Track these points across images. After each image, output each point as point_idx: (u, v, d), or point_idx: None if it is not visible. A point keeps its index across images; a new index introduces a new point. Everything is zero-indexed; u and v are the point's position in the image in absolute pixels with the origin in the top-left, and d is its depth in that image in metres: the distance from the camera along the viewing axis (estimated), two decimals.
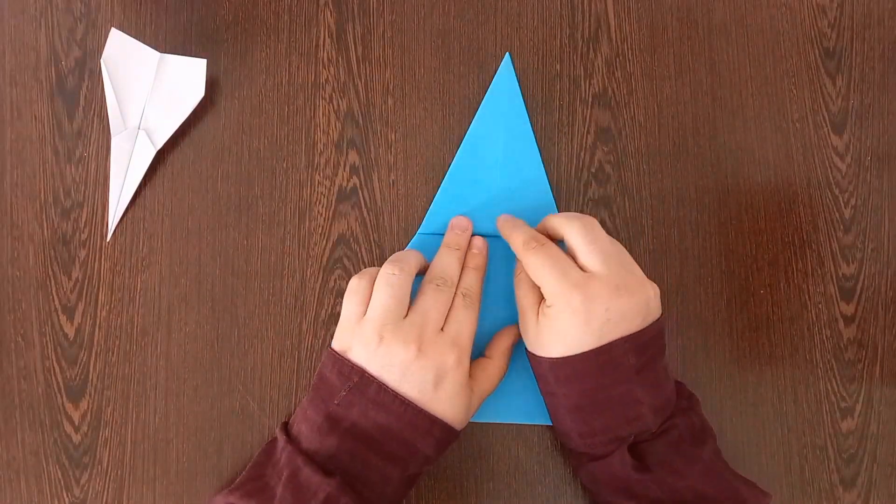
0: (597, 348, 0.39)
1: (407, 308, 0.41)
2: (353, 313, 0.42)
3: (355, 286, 0.42)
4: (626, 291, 0.40)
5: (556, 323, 0.40)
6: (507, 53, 0.48)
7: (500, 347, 0.44)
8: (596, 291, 0.39)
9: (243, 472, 0.42)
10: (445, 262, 0.44)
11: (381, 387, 0.40)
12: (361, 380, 0.40)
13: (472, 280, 0.44)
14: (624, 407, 0.40)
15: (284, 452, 0.40)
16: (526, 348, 0.43)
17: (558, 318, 0.40)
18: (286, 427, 0.42)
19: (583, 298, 0.39)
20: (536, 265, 0.41)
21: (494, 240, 0.46)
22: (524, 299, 0.43)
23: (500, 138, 0.47)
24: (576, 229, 0.41)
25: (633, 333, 0.40)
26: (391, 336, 0.40)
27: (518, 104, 0.48)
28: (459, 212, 0.47)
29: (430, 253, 0.45)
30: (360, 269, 0.47)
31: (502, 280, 0.46)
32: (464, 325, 0.42)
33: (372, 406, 0.40)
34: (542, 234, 0.43)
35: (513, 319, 0.45)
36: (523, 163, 0.47)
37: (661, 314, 0.41)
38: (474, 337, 0.42)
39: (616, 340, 0.39)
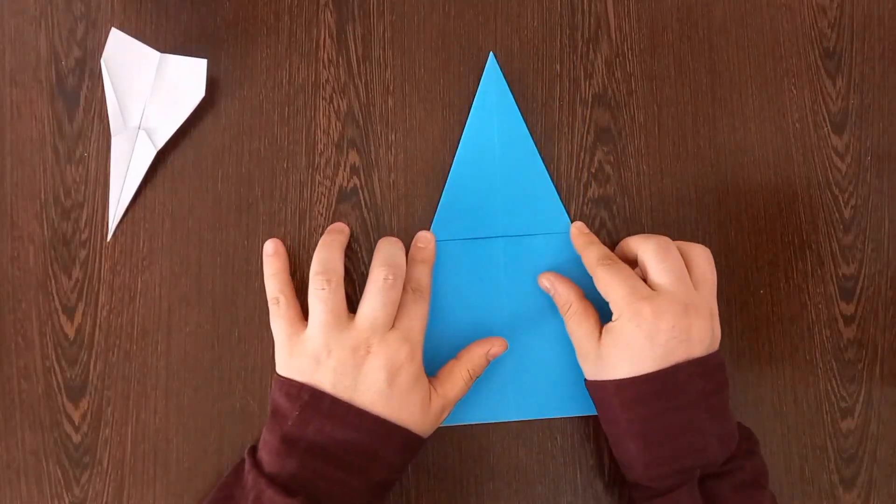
0: (663, 370, 0.39)
1: (346, 314, 0.41)
2: (286, 336, 0.42)
3: (275, 311, 0.43)
4: (694, 312, 0.39)
5: (621, 338, 0.40)
6: (491, 53, 0.48)
7: (471, 352, 0.44)
8: (664, 307, 0.39)
9: (213, 491, 0.42)
10: (390, 251, 0.43)
11: (335, 400, 0.39)
12: (312, 397, 0.39)
13: (420, 273, 0.44)
14: (690, 435, 0.39)
15: (250, 475, 0.40)
16: (585, 381, 0.43)
17: (623, 332, 0.40)
18: (253, 450, 0.42)
19: (650, 311, 0.39)
20: (607, 279, 0.41)
21: (516, 239, 0.46)
22: (580, 328, 0.42)
23: (495, 138, 0.47)
24: (650, 247, 0.41)
25: (699, 358, 0.39)
26: (338, 345, 0.40)
27: (509, 102, 0.48)
28: (465, 217, 0.47)
29: (439, 262, 0.46)
30: (360, 270, 0.47)
31: (529, 280, 0.46)
32: (414, 319, 0.41)
33: (327, 421, 0.39)
34: (619, 256, 0.43)
35: (538, 320, 0.46)
36: (521, 159, 0.47)
37: (719, 349, 0.41)
38: (425, 331, 0.42)
39: (682, 363, 0.39)
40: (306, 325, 0.42)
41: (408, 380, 0.40)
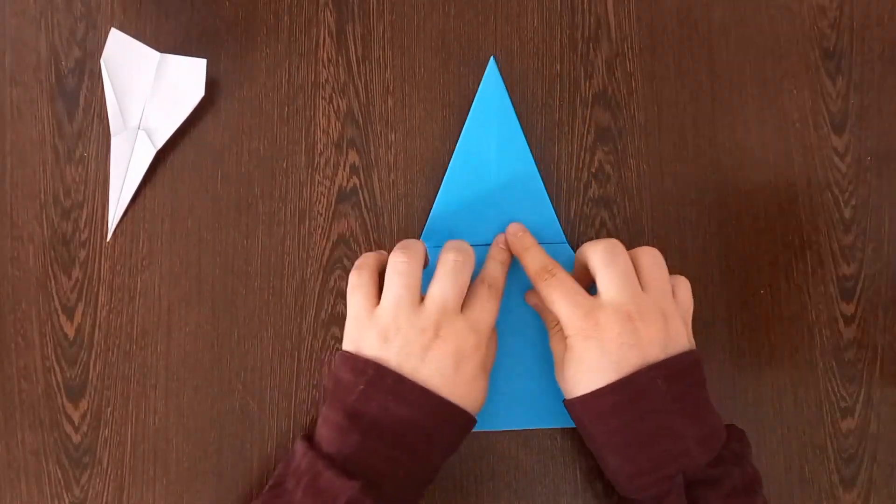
0: (622, 379, 0.38)
1: (419, 296, 0.41)
2: (362, 308, 0.41)
3: (356, 281, 0.42)
4: (638, 316, 0.39)
5: (574, 355, 0.40)
6: (492, 57, 0.48)
7: (486, 265, 0.44)
8: (607, 317, 0.39)
9: (264, 491, 0.40)
10: (457, 243, 0.43)
11: (399, 377, 0.39)
12: (377, 372, 0.39)
13: (496, 270, 0.43)
14: (665, 441, 0.38)
15: (305, 458, 0.39)
16: (563, 400, 0.43)
17: (575, 349, 0.40)
18: (306, 437, 0.41)
19: (594, 323, 0.39)
20: (550, 298, 0.41)
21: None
22: (554, 347, 0.43)
23: (492, 143, 0.47)
24: (598, 252, 0.41)
25: (661, 361, 0.39)
26: (407, 323, 0.39)
27: (507, 108, 0.48)
28: (457, 223, 0.47)
29: (430, 267, 0.45)
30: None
31: (518, 291, 0.46)
32: (485, 311, 0.41)
33: (392, 398, 0.38)
34: (578, 261, 0.43)
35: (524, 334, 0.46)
36: (517, 168, 0.47)
37: (695, 347, 0.41)
38: (494, 326, 0.42)
39: (640, 369, 0.38)
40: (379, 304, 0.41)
41: (473, 369, 0.40)
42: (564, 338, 0.41)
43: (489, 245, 0.46)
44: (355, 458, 0.38)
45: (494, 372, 0.44)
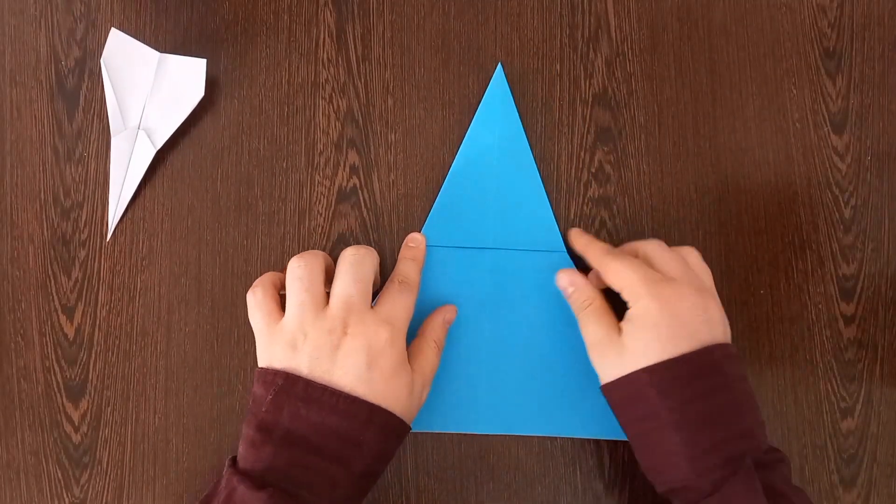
0: (697, 350, 0.38)
1: (324, 299, 0.39)
2: (264, 324, 0.40)
3: (253, 301, 0.41)
4: (708, 294, 0.40)
5: (646, 321, 0.39)
6: (500, 64, 0.48)
7: (431, 324, 0.43)
8: (682, 288, 0.39)
9: None
10: (355, 247, 0.42)
11: (309, 382, 0.37)
12: (286, 381, 0.38)
13: (408, 268, 0.43)
14: (734, 418, 0.38)
15: (225, 477, 0.38)
16: (604, 386, 0.41)
17: (648, 315, 0.39)
18: (233, 457, 0.40)
19: (670, 291, 0.39)
20: (618, 266, 0.40)
21: (506, 253, 0.46)
22: (598, 324, 0.41)
23: (494, 148, 0.47)
24: (651, 245, 0.42)
25: (727, 343, 0.39)
26: (313, 327, 0.38)
27: (512, 115, 0.47)
28: (457, 224, 0.47)
29: (426, 268, 0.46)
30: None
31: (514, 296, 0.46)
32: (397, 306, 0.40)
33: (303, 405, 0.37)
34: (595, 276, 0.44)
35: (546, 336, 0.46)
36: (520, 174, 0.47)
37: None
38: (408, 323, 0.41)
39: (713, 345, 0.38)
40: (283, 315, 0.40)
41: (390, 364, 0.38)
42: (605, 314, 0.41)
43: (485, 248, 0.46)
44: (271, 470, 0.37)
45: (482, 374, 0.45)
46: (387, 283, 0.42)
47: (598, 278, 0.43)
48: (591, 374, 0.44)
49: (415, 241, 0.45)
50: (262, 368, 0.40)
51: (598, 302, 0.42)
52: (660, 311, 0.38)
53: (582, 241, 0.45)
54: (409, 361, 0.41)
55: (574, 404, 0.45)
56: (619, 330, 0.40)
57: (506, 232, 0.46)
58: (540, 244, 0.46)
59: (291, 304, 0.39)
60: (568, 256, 0.46)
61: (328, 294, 0.40)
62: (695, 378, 0.38)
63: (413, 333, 0.43)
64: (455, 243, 0.46)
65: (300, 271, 0.40)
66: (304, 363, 0.38)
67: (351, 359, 0.38)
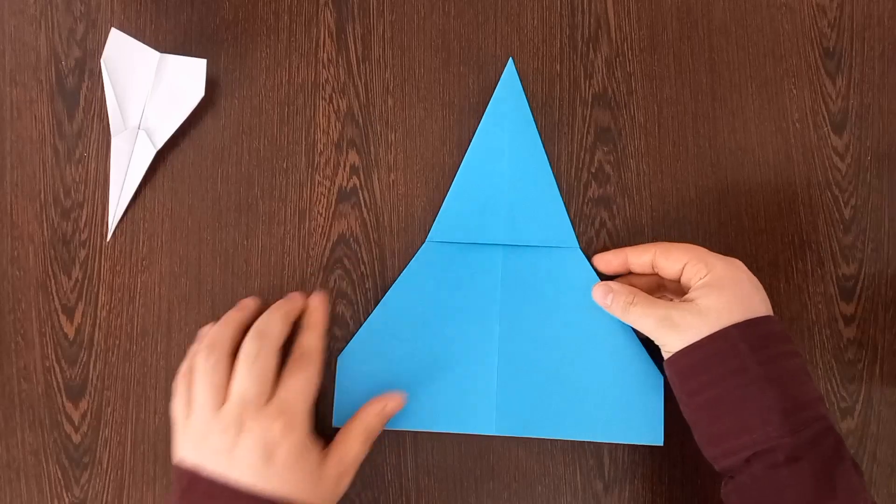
0: (770, 315, 0.40)
1: (224, 392, 0.39)
2: (178, 415, 0.41)
3: (175, 387, 0.41)
4: (748, 277, 0.41)
5: (725, 282, 0.40)
6: (511, 58, 0.48)
7: (366, 411, 0.42)
8: (737, 262, 0.41)
9: None
10: (264, 321, 0.41)
11: (211, 482, 0.38)
12: (190, 481, 0.38)
13: (308, 339, 0.42)
14: (810, 381, 0.39)
15: None
16: (677, 353, 0.40)
17: (726, 276, 0.40)
18: None
19: (733, 264, 0.41)
20: (680, 245, 0.42)
21: (517, 249, 0.46)
22: (654, 305, 0.41)
23: (505, 143, 0.47)
24: (691, 246, 0.43)
25: (773, 315, 0.40)
26: (211, 426, 0.39)
27: (523, 108, 0.47)
28: (467, 220, 0.46)
29: (437, 264, 0.46)
30: (360, 270, 0.47)
31: (524, 293, 0.46)
32: (292, 390, 0.40)
33: (208, 502, 0.38)
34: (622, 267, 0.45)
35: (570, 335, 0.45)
36: (530, 167, 0.47)
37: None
38: (312, 400, 0.40)
39: (768, 316, 0.40)
40: None
41: (288, 454, 0.38)
42: (655, 299, 0.42)
43: (496, 245, 0.46)
44: None
45: (491, 374, 0.45)
46: (289, 358, 0.41)
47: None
48: (601, 376, 0.44)
49: (312, 304, 0.44)
50: (174, 465, 0.40)
51: (641, 294, 0.42)
52: (733, 276, 0.40)
53: (610, 252, 0.45)
54: (333, 446, 0.41)
55: (582, 407, 0.45)
56: (683, 302, 0.41)
57: (518, 228, 0.46)
58: (552, 240, 0.46)
59: (197, 403, 0.40)
60: (581, 252, 0.46)
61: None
62: (776, 339, 0.39)
63: (418, 347, 0.44)
64: (466, 239, 0.46)
65: (204, 364, 0.40)
66: (208, 460, 0.38)
67: (247, 456, 0.38)
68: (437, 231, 0.47)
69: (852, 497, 0.36)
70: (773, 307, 0.45)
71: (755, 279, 0.41)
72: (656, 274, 0.44)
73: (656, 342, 0.42)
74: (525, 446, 0.46)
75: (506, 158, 0.47)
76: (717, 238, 0.48)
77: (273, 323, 0.41)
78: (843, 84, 0.49)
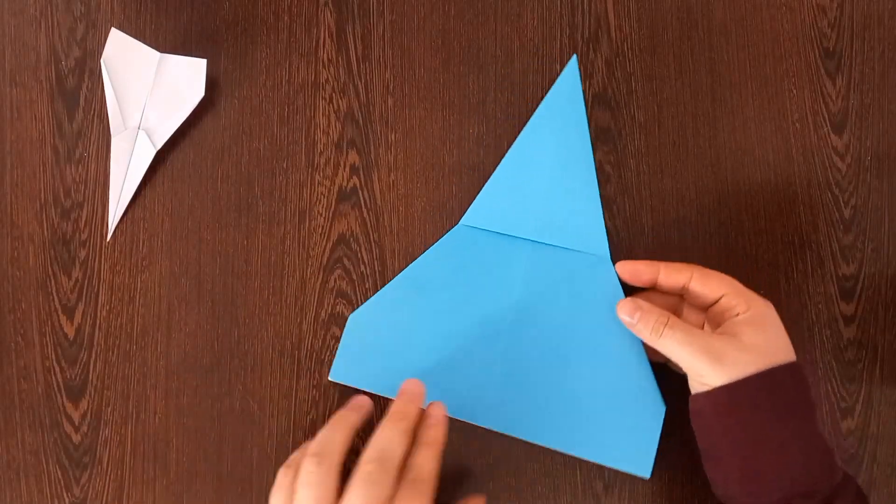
0: (800, 363, 0.39)
1: None
2: None
3: (280, 480, 0.38)
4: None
5: (767, 321, 0.39)
6: (575, 55, 0.48)
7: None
8: (771, 305, 0.41)
9: None
10: (386, 437, 0.37)
11: None
12: None
13: (424, 460, 0.37)
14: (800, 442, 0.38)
15: None
16: (723, 387, 0.38)
17: (767, 317, 0.39)
18: None
19: (767, 304, 0.40)
20: (721, 274, 0.41)
21: (545, 248, 0.46)
22: (690, 337, 0.39)
23: (554, 139, 0.47)
24: (729, 278, 0.41)
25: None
26: None
27: (578, 107, 0.47)
28: (501, 210, 0.46)
29: (464, 248, 0.46)
30: (360, 270, 0.47)
31: (564, 298, 0.45)
32: None
33: None
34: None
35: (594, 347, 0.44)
36: (575, 168, 0.46)
37: None
38: None
39: (801, 363, 0.39)
40: None
41: None
42: (689, 325, 0.40)
43: (528, 240, 0.45)
44: None
45: (498, 370, 0.44)
46: (403, 475, 0.37)
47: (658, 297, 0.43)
48: (603, 393, 0.44)
49: (434, 418, 0.39)
50: None
51: (675, 318, 0.40)
52: (772, 316, 0.40)
53: (642, 263, 0.43)
54: None
55: (577, 421, 0.44)
56: (722, 335, 0.39)
57: (551, 226, 0.46)
58: (583, 245, 0.45)
59: None
60: (611, 263, 0.45)
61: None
62: (810, 385, 0.39)
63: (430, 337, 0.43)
64: (497, 228, 0.46)
65: (312, 477, 0.36)
66: None
67: None
68: (470, 216, 0.46)
69: None
70: (773, 307, 0.45)
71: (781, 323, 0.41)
72: (676, 296, 0.43)
73: (688, 371, 0.40)
74: (525, 446, 0.46)
75: (552, 155, 0.46)
76: (717, 238, 0.48)
77: (395, 443, 0.37)
78: (843, 84, 0.49)
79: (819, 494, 0.37)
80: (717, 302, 0.41)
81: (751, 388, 0.38)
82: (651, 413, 0.43)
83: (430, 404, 0.40)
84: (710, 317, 0.42)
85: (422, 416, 0.39)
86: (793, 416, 0.38)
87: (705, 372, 0.39)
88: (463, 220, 0.47)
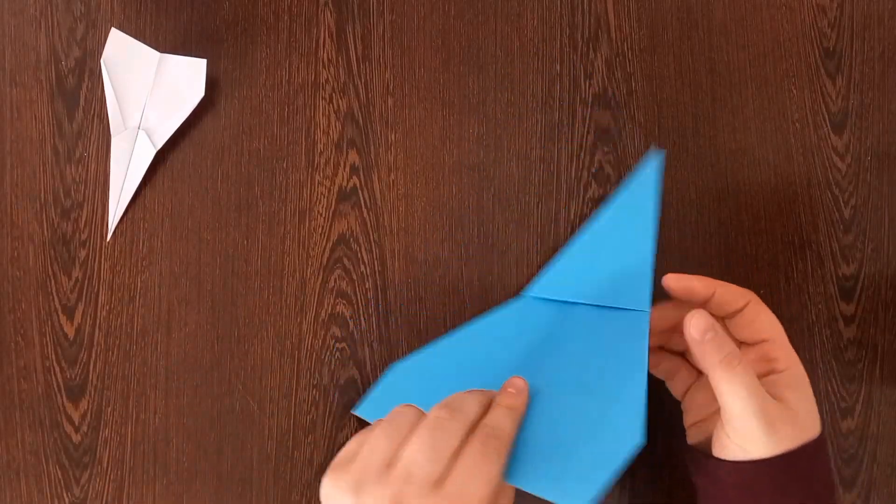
0: (824, 437, 0.36)
1: (445, 461, 0.31)
2: (371, 451, 0.33)
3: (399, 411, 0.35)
4: None
5: (806, 387, 0.36)
6: (656, 160, 0.45)
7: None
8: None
9: None
10: (462, 396, 0.35)
11: None
12: None
13: (501, 417, 0.34)
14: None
15: None
16: (733, 466, 0.34)
17: (805, 382, 0.36)
18: None
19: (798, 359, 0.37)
20: (770, 318, 0.36)
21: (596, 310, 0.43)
22: (754, 389, 0.34)
23: (620, 238, 0.44)
24: (777, 321, 0.37)
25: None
26: (367, 493, 0.31)
27: (651, 211, 0.44)
28: (566, 281, 0.44)
29: (527, 319, 0.44)
30: (360, 270, 0.47)
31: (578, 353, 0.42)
32: (475, 479, 0.31)
33: None
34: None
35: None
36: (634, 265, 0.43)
37: None
38: (493, 493, 0.32)
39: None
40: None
41: None
42: (755, 376, 0.35)
43: (583, 304, 0.43)
44: None
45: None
46: (473, 432, 0.33)
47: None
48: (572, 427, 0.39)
49: (516, 387, 0.36)
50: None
51: (744, 358, 0.35)
52: (807, 378, 0.36)
53: (696, 278, 0.39)
54: None
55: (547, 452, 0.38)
56: (776, 397, 0.35)
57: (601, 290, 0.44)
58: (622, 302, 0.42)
59: (372, 454, 0.33)
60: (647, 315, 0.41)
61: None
62: (825, 464, 0.36)
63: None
64: (556, 297, 0.45)
65: (442, 423, 0.33)
66: None
67: None
68: (536, 288, 0.46)
69: None
70: (773, 307, 0.45)
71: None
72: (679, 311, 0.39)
73: (727, 424, 0.35)
74: None
75: (615, 238, 0.44)
76: (717, 238, 0.48)
77: (471, 401, 0.34)
78: (843, 84, 0.49)
79: None
80: (758, 343, 0.37)
81: (778, 466, 0.34)
82: (620, 446, 0.37)
83: (512, 378, 0.37)
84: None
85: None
86: (818, 499, 0.35)
87: (746, 433, 0.34)
88: (527, 291, 0.46)
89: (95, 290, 0.47)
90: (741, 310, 0.37)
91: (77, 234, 0.47)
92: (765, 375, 0.36)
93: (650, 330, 0.40)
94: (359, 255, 0.47)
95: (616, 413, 0.38)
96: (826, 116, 0.49)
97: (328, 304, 0.47)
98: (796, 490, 0.33)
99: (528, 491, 0.36)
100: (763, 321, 0.37)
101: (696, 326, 0.36)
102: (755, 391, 0.34)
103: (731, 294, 0.38)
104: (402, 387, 0.45)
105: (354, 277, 0.47)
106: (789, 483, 0.33)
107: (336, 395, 0.47)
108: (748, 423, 0.34)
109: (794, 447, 0.34)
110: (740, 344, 0.38)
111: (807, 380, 0.37)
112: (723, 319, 0.39)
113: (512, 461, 0.35)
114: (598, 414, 0.38)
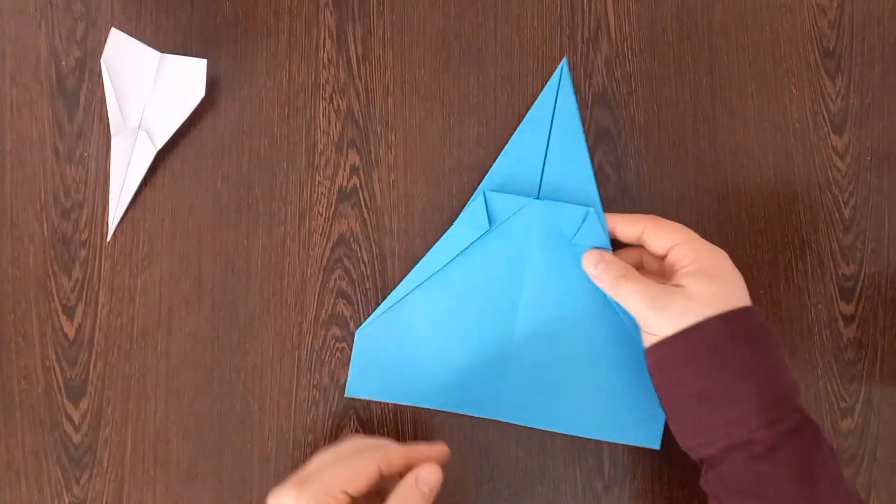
0: (753, 307, 0.39)
1: None
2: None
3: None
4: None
5: (714, 271, 0.40)
6: (564, 59, 0.48)
7: (403, 490, 0.37)
8: (721, 250, 0.42)
9: None
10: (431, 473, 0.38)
11: None
12: None
13: (429, 473, 0.38)
14: (788, 374, 0.39)
15: None
16: (663, 341, 0.39)
17: (714, 267, 0.40)
18: None
19: (720, 251, 0.41)
20: (670, 228, 0.41)
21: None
22: (642, 286, 0.40)
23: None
24: (682, 228, 0.42)
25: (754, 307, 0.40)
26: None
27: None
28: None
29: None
30: (361, 270, 0.47)
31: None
32: None
33: None
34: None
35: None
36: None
37: None
38: None
39: (750, 307, 0.40)
40: None
41: None
42: (645, 278, 0.41)
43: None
44: None
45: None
46: (403, 480, 0.37)
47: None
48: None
49: (429, 484, 0.38)
50: None
51: (634, 270, 0.42)
52: (721, 266, 0.40)
53: (609, 218, 0.44)
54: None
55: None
56: (672, 285, 0.40)
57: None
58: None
59: None
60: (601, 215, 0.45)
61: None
62: (757, 331, 0.39)
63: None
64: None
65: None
66: None
67: None
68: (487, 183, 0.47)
69: (833, 485, 0.37)
70: (773, 307, 0.45)
71: (737, 271, 0.41)
72: (639, 249, 0.44)
73: (639, 322, 0.41)
74: (525, 446, 0.46)
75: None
76: (717, 238, 0.48)
77: (436, 473, 0.38)
78: (843, 84, 0.49)
79: (761, 443, 0.37)
80: (669, 252, 0.41)
81: (684, 344, 0.39)
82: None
83: (424, 466, 0.38)
84: (665, 269, 0.42)
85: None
86: (727, 369, 0.38)
87: (651, 321, 0.40)
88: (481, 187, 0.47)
89: (95, 290, 0.47)
90: (643, 233, 0.42)
91: (77, 234, 0.47)
92: (675, 274, 0.41)
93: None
94: (359, 255, 0.47)
95: (636, 353, 0.44)
96: (826, 117, 0.49)
97: (328, 304, 0.47)
98: (699, 358, 0.38)
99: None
100: (664, 233, 0.42)
101: (588, 261, 0.43)
102: (642, 289, 0.40)
103: (629, 221, 0.43)
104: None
105: (354, 277, 0.47)
106: (695, 356, 0.38)
107: (336, 395, 0.47)
108: (644, 312, 0.40)
109: (691, 323, 0.39)
110: (662, 257, 0.42)
111: (717, 268, 0.40)
112: (660, 255, 0.43)
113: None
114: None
